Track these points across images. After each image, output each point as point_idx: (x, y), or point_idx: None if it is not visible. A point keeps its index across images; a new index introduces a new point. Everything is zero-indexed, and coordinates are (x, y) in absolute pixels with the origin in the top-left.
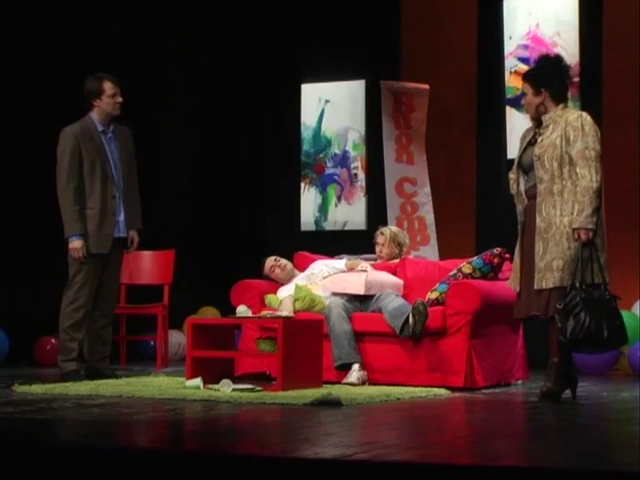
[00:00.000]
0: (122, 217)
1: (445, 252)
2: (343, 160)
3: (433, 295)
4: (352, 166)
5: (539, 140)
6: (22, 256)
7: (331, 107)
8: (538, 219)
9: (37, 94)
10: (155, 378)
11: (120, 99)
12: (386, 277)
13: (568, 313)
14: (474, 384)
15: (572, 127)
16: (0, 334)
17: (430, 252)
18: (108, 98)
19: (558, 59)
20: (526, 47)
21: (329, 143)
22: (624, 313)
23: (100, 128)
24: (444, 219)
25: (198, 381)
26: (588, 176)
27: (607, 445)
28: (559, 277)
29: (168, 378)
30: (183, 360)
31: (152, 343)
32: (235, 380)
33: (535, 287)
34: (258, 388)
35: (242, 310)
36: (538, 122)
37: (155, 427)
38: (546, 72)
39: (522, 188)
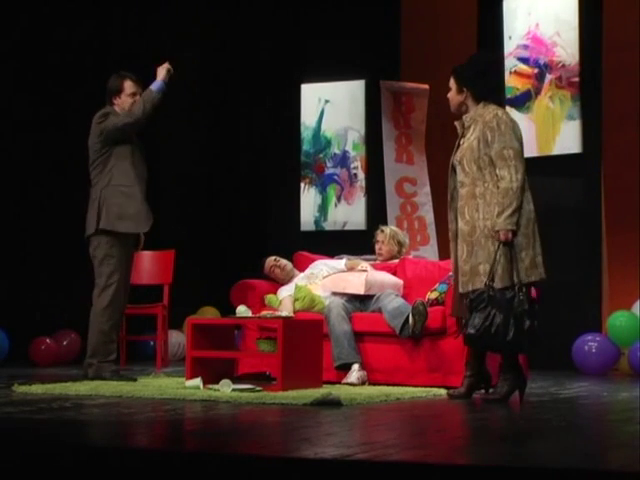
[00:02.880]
0: None
1: (445, 252)
2: (343, 160)
3: (433, 295)
4: (352, 166)
5: (461, 143)
6: (22, 256)
7: (331, 107)
8: (461, 222)
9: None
10: (155, 378)
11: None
12: (386, 277)
13: (473, 310)
14: None
15: (489, 127)
16: (0, 334)
17: (430, 252)
18: (127, 97)
19: (488, 59)
20: (526, 47)
21: (329, 143)
22: (624, 313)
23: None
24: (444, 219)
25: (198, 381)
26: (507, 177)
27: (607, 445)
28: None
29: (168, 378)
30: (183, 360)
31: (152, 343)
32: (235, 380)
33: (460, 290)
34: (258, 388)
35: (242, 310)
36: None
37: (155, 427)
38: (471, 71)
39: (453, 191)
